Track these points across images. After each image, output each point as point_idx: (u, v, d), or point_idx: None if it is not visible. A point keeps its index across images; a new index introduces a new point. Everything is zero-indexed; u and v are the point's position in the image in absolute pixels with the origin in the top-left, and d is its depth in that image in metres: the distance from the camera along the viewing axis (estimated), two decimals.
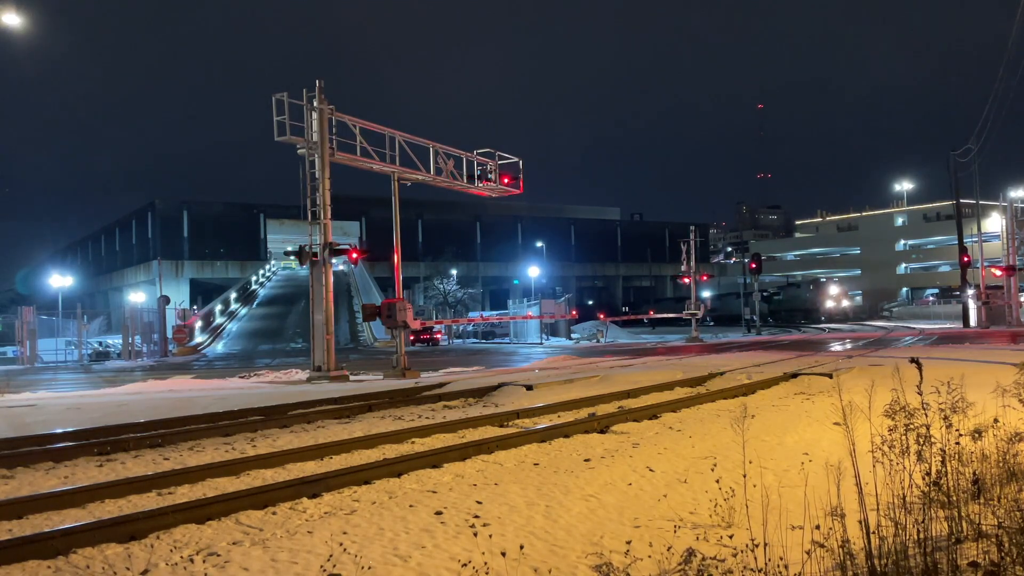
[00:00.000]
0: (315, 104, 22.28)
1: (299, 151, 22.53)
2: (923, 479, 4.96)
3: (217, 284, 73.85)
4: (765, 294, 72.55)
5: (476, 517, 6.21)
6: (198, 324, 48.40)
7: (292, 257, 23.94)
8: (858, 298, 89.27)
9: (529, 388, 15.69)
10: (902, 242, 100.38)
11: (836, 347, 31.86)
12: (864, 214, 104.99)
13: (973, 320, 49.49)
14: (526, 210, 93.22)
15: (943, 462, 5.27)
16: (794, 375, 16.31)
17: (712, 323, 68.54)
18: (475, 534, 5.70)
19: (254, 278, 76.25)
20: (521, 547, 5.32)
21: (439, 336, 52.76)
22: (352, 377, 22.99)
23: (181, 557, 5.41)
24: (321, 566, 4.96)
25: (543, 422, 11.57)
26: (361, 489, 7.42)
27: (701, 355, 27.82)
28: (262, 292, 73.73)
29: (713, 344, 40.44)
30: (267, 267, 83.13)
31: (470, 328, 59.45)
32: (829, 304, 70.44)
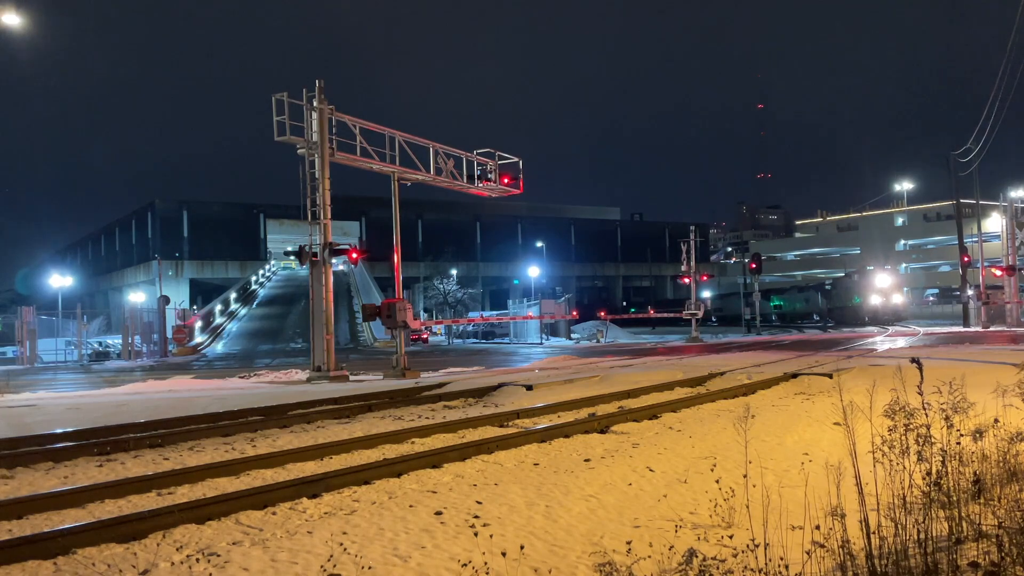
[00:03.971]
0: (315, 104, 22.29)
1: (299, 151, 22.53)
2: (923, 479, 4.95)
3: (217, 284, 73.74)
4: (827, 287, 65.97)
5: (476, 517, 6.20)
6: (198, 324, 48.40)
7: (292, 257, 23.96)
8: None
9: (529, 388, 15.70)
10: (902, 242, 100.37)
11: (836, 348, 31.85)
12: (864, 214, 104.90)
13: (973, 320, 49.49)
14: (526, 210, 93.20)
15: (943, 462, 5.27)
16: (794, 375, 16.30)
17: (714, 323, 68.19)
18: (475, 534, 5.69)
19: (254, 278, 76.14)
20: (521, 547, 5.31)
21: (426, 336, 53.88)
22: (352, 377, 22.99)
23: (181, 557, 5.40)
24: (321, 566, 4.95)
25: (543, 422, 11.56)
26: (361, 489, 7.42)
27: (701, 355, 27.80)
28: (262, 292, 73.66)
29: (713, 344, 40.44)
30: (267, 267, 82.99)
31: (470, 328, 59.47)
32: (875, 301, 58.12)
